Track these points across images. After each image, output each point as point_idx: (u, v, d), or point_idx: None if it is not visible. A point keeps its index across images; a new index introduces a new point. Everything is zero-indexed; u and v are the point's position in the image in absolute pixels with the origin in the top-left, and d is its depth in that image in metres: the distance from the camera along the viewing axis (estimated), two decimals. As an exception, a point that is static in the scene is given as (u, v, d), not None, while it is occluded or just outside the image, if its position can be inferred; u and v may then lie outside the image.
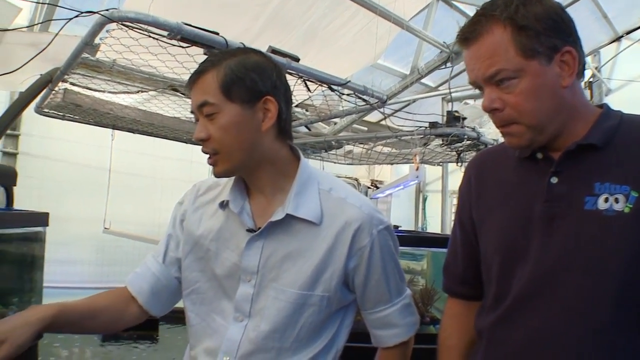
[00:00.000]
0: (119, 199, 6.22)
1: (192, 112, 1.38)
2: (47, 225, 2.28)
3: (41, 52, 2.76)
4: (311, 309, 1.38)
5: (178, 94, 4.14)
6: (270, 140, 1.39)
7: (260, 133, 1.35)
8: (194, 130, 1.36)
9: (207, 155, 1.36)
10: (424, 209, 10.92)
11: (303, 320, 1.38)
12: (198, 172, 7.92)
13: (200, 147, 1.37)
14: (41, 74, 3.79)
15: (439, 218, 9.16)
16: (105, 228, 5.98)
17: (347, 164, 6.55)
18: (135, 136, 5.37)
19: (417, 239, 3.59)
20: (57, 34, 2.60)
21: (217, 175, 1.39)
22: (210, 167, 1.39)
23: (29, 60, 2.83)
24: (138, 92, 4.24)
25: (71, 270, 6.47)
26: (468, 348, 1.50)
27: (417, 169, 4.76)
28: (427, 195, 10.90)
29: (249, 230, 1.41)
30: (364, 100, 3.38)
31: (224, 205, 1.47)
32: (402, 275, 1.53)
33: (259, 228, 1.39)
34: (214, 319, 1.47)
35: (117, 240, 6.84)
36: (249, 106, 1.32)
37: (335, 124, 6.32)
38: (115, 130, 5.16)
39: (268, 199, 1.44)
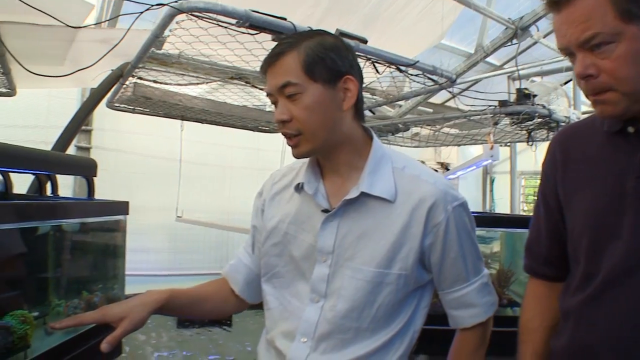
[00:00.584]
0: (189, 188, 6.35)
1: (268, 94, 1.38)
2: (127, 213, 2.35)
3: (114, 47, 2.84)
4: (388, 288, 1.38)
5: (243, 82, 4.17)
6: (349, 119, 1.40)
7: (341, 112, 1.36)
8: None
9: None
10: (491, 190, 10.70)
11: (380, 299, 1.38)
12: (265, 160, 8.02)
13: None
14: (112, 70, 3.91)
15: (507, 200, 9.00)
16: (178, 216, 6.12)
17: (414, 146, 6.47)
18: (203, 126, 5.46)
19: (491, 220, 3.51)
20: (129, 28, 2.67)
21: (299, 155, 1.40)
22: (284, 153, 1.41)
23: (104, 55, 2.92)
24: (204, 82, 4.30)
25: (146, 258, 6.64)
26: (551, 330, 1.47)
27: (491, 147, 4.64)
28: (495, 177, 10.67)
29: (324, 211, 1.42)
30: (433, 80, 3.33)
31: (299, 188, 1.49)
32: (479, 253, 1.50)
33: (334, 208, 1.40)
34: (290, 302, 1.49)
35: (188, 229, 6.99)
36: (330, 86, 1.33)
37: (400, 106, 6.27)
38: (184, 121, 5.26)
39: (343, 179, 1.44)
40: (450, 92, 4.31)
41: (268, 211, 1.57)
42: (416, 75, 3.25)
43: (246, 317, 5.86)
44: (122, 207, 2.33)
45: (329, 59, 1.33)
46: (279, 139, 5.41)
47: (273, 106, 1.40)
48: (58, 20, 2.67)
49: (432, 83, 3.42)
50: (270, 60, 1.35)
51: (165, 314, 1.51)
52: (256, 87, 4.30)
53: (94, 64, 3.01)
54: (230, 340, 5.41)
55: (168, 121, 5.35)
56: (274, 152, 7.89)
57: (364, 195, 1.37)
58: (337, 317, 1.38)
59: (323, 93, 1.33)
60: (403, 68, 3.03)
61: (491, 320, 1.53)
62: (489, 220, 3.46)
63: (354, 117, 1.41)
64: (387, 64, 2.92)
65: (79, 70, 3.19)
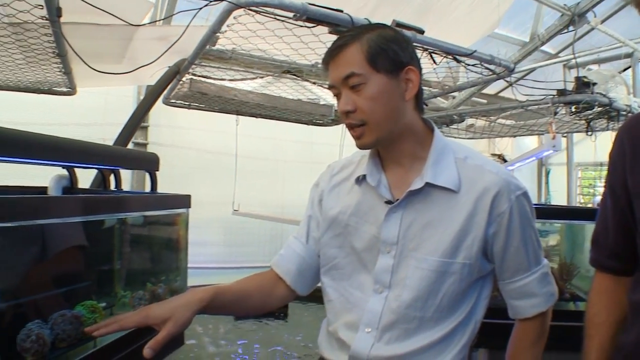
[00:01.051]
0: (244, 182, 6.43)
1: (330, 87, 1.41)
2: (190, 206, 2.39)
3: (174, 43, 2.88)
4: (452, 277, 1.38)
5: (297, 76, 4.19)
6: (411, 110, 1.41)
7: (403, 103, 1.38)
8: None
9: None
10: (547, 182, 10.48)
11: (444, 289, 1.39)
12: (318, 154, 8.06)
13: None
14: (169, 67, 3.98)
15: (562, 192, 8.80)
16: (235, 210, 6.21)
17: (469, 138, 6.39)
18: (256, 121, 5.51)
19: (551, 212, 3.43)
20: (188, 25, 2.71)
21: (363, 146, 1.42)
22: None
23: (165, 51, 2.97)
24: (257, 77, 4.34)
25: (202, 251, 6.74)
26: (618, 325, 1.44)
27: (553, 137, 4.54)
28: (550, 169, 10.44)
29: (387, 202, 1.43)
30: (490, 70, 3.28)
31: (360, 180, 1.51)
32: (539, 243, 1.50)
33: (397, 199, 1.42)
34: (352, 293, 1.50)
35: (243, 222, 7.08)
36: (393, 76, 1.35)
37: (453, 98, 6.20)
38: (239, 116, 5.32)
39: (405, 170, 1.45)
40: (507, 81, 4.23)
41: (327, 202, 1.59)
42: (473, 65, 3.21)
43: (301, 309, 5.91)
44: (184, 200, 2.37)
45: (391, 50, 1.34)
46: (332, 132, 5.46)
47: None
48: (119, 18, 2.73)
49: (489, 73, 3.37)
50: (333, 53, 1.37)
51: (210, 313, 1.47)
52: (309, 81, 4.31)
53: (154, 60, 3.07)
54: (285, 332, 5.46)
55: (222, 116, 5.42)
56: (327, 145, 7.95)
57: (428, 185, 1.38)
58: (401, 307, 1.40)
59: (386, 83, 1.34)
60: (460, 58, 2.99)
61: (551, 310, 1.53)
62: (549, 212, 3.37)
63: (414, 108, 1.43)
64: (444, 54, 2.89)
65: (140, 67, 3.26)
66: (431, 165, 1.39)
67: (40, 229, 1.93)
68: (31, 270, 1.93)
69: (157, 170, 2.29)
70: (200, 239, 6.63)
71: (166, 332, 1.27)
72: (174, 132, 7.09)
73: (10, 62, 3.72)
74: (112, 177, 2.57)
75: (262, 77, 4.30)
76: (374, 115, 1.35)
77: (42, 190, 2.40)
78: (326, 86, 4.42)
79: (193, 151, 7.14)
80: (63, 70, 3.78)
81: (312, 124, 5.69)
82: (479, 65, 3.22)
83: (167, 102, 4.79)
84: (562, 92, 4.26)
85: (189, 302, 1.36)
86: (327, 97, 4.71)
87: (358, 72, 1.33)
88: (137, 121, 4.14)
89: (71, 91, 4.62)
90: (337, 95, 1.39)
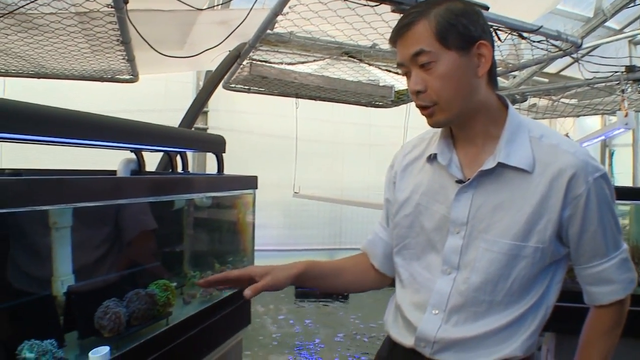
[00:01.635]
0: (303, 165, 6.45)
1: (399, 65, 1.36)
2: (257, 188, 2.42)
3: (238, 26, 2.90)
4: (524, 262, 1.33)
5: (355, 59, 4.16)
6: (484, 86, 1.35)
7: (476, 79, 1.32)
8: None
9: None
10: (611, 164, 10.14)
11: (515, 273, 1.34)
12: (377, 136, 8.04)
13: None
14: (229, 51, 4.02)
15: (626, 174, 8.52)
16: (295, 192, 6.25)
17: (531, 117, 6.23)
18: (315, 104, 5.51)
19: (621, 192, 3.31)
20: (252, 8, 2.72)
21: (435, 125, 1.38)
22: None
23: (229, 35, 2.99)
24: (315, 61, 4.33)
25: (263, 233, 6.81)
26: None
27: (625, 115, 4.37)
28: (615, 150, 10.09)
29: (458, 182, 1.40)
30: (556, 46, 3.17)
31: (431, 159, 1.48)
32: (619, 227, 1.42)
33: (468, 179, 1.38)
34: (421, 273, 1.48)
35: (303, 205, 7.14)
36: (464, 52, 1.29)
37: (514, 77, 6.04)
38: (299, 99, 5.33)
39: (478, 149, 1.41)
40: (573, 57, 4.08)
41: (400, 183, 1.57)
42: (539, 42, 3.11)
43: (362, 293, 5.89)
44: (252, 181, 2.40)
45: (461, 25, 1.28)
46: (390, 114, 5.41)
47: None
48: (184, 2, 2.76)
49: (555, 49, 3.26)
50: (401, 31, 1.32)
51: (304, 285, 1.57)
52: (368, 63, 4.28)
53: (219, 43, 3.11)
54: (344, 313, 5.49)
55: (281, 100, 5.44)
56: (385, 127, 7.93)
57: (500, 165, 1.33)
58: (470, 289, 1.37)
59: (457, 60, 1.28)
60: (526, 34, 2.90)
61: (629, 298, 1.45)
62: (618, 192, 3.25)
63: (488, 83, 1.37)
64: (509, 31, 2.81)
65: (205, 50, 3.31)
66: (504, 145, 1.34)
67: (116, 210, 1.99)
68: (107, 250, 1.99)
69: (224, 152, 2.32)
70: (261, 222, 6.68)
71: (264, 282, 1.41)
72: (233, 116, 7.17)
73: (76, 52, 3.82)
74: (177, 161, 2.62)
75: (320, 60, 4.29)
76: (445, 95, 1.30)
77: (112, 173, 2.46)
78: (385, 67, 4.38)
79: (252, 135, 7.21)
80: (126, 57, 3.85)
81: (371, 106, 5.65)
82: (544, 42, 3.12)
83: (227, 87, 4.83)
84: (630, 69, 4.10)
85: (286, 267, 1.48)
86: (386, 78, 4.67)
87: (427, 50, 1.27)
88: (200, 105, 4.20)
89: (134, 78, 4.71)
90: (406, 74, 1.35)
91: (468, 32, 1.29)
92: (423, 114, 1.37)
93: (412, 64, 1.31)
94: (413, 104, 1.38)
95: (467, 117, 1.37)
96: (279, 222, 7.50)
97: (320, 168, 7.68)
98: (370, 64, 4.29)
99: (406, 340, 1.49)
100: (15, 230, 1.73)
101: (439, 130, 1.49)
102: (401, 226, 1.54)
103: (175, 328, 1.82)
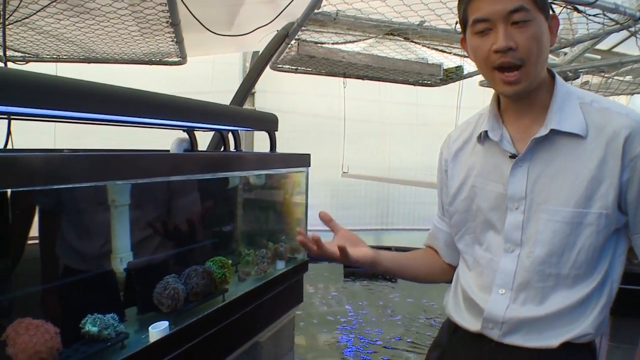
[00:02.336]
0: (350, 145, 6.44)
1: (482, 20, 1.29)
2: (309, 165, 2.41)
3: (287, 6, 2.89)
4: (589, 229, 1.30)
5: (400, 38, 4.11)
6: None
7: (548, 48, 1.30)
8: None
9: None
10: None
11: (580, 242, 1.30)
12: (424, 115, 7.96)
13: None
14: (277, 30, 4.01)
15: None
16: (344, 172, 6.25)
17: (582, 95, 6.05)
18: (361, 84, 5.47)
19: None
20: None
21: (515, 93, 1.33)
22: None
23: (279, 14, 2.99)
24: (360, 40, 4.29)
25: (310, 213, 6.85)
26: None
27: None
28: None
29: (512, 157, 1.38)
30: (612, 19, 3.06)
31: (481, 138, 1.47)
32: None
33: (521, 153, 1.36)
34: (483, 256, 1.47)
35: (350, 185, 7.14)
36: (546, 19, 1.28)
37: (565, 54, 5.88)
38: (346, 79, 5.30)
39: (530, 121, 1.39)
40: (630, 31, 3.93)
41: (452, 171, 1.57)
42: (594, 16, 3.01)
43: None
44: (305, 159, 2.40)
45: None
46: (437, 93, 5.33)
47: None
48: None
49: (612, 23, 3.15)
50: None
51: (373, 269, 1.57)
52: (415, 42, 4.22)
53: (268, 23, 3.11)
54: (392, 294, 5.48)
55: (327, 80, 5.42)
56: (432, 107, 7.85)
57: (553, 133, 1.31)
58: (535, 263, 1.34)
59: (544, 24, 1.27)
60: (581, 7, 2.81)
61: None
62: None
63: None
64: (563, 4, 2.73)
65: (255, 29, 3.30)
66: (555, 112, 1.32)
67: (172, 188, 2.01)
68: (164, 228, 2.02)
69: (277, 130, 2.32)
70: (310, 202, 6.72)
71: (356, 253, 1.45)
72: (280, 97, 7.19)
73: (126, 35, 3.86)
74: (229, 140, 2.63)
75: (366, 40, 4.25)
76: (534, 56, 1.26)
77: (165, 152, 2.49)
78: (433, 46, 4.31)
79: (298, 115, 7.22)
80: (175, 39, 3.88)
81: (419, 85, 5.58)
82: (600, 15, 3.02)
83: (274, 67, 4.83)
84: (696, 41, 3.92)
85: (364, 247, 1.52)
86: (435, 55, 4.61)
87: (527, 7, 1.23)
88: (250, 85, 4.21)
89: (182, 60, 4.75)
90: (483, 32, 1.30)
91: (546, 1, 1.28)
92: (506, 80, 1.31)
93: (503, 20, 1.26)
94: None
95: (534, 87, 1.34)
96: (326, 203, 7.51)
97: (366, 148, 7.66)
98: (417, 43, 4.23)
99: (471, 324, 1.48)
100: (77, 208, 1.76)
101: (485, 111, 1.49)
102: (459, 212, 1.54)
103: (232, 304, 1.84)
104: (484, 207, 1.45)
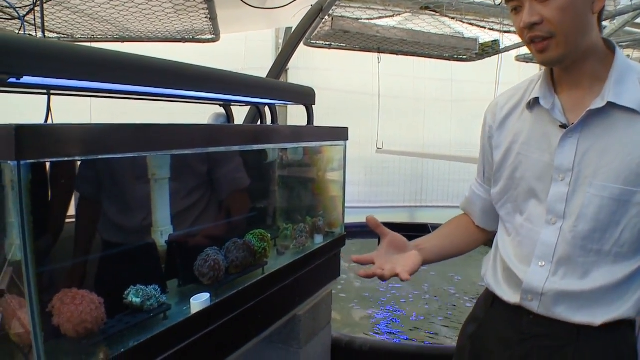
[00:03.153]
0: (384, 121, 6.40)
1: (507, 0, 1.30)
2: (347, 139, 2.39)
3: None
4: (636, 209, 1.26)
5: (434, 12, 4.05)
6: (595, 25, 1.28)
7: (591, 16, 1.25)
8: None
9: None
10: None
11: (626, 220, 1.27)
12: (458, 91, 7.87)
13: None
14: (311, 5, 3.98)
15: None
16: (378, 148, 6.22)
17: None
18: (396, 59, 5.43)
19: None
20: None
21: (546, 61, 1.31)
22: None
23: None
24: (394, 15, 4.24)
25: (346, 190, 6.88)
26: None
27: None
28: None
29: (562, 127, 1.34)
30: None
31: (531, 105, 1.43)
32: None
33: (572, 124, 1.32)
34: (523, 225, 1.44)
35: (384, 162, 7.11)
36: None
37: (604, 27, 5.73)
38: (381, 54, 5.25)
39: (584, 91, 1.34)
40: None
41: (498, 138, 1.53)
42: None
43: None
44: (343, 133, 2.38)
45: None
46: (472, 69, 5.25)
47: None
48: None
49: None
50: None
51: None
52: (449, 16, 4.16)
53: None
54: (428, 270, 5.44)
55: (360, 57, 5.39)
56: (467, 82, 7.76)
57: (609, 106, 1.26)
58: (577, 238, 1.31)
59: None
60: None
61: None
62: None
63: (597, 24, 1.29)
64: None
65: (290, 2, 3.28)
66: (613, 85, 1.27)
67: (212, 161, 2.02)
68: (204, 201, 2.03)
69: (314, 104, 2.30)
70: (344, 179, 6.77)
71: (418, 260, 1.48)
72: (313, 73, 7.17)
73: (160, 12, 3.87)
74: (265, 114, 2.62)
75: (401, 14, 4.20)
76: (563, 27, 1.22)
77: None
78: (467, 21, 4.25)
79: (332, 92, 7.18)
80: (209, 15, 3.88)
81: (454, 60, 5.51)
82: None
83: (307, 43, 4.80)
84: None
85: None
86: (471, 29, 4.54)
87: None
88: (285, 60, 4.19)
89: (215, 38, 4.75)
90: (516, 10, 1.29)
91: None
92: (536, 49, 1.29)
93: None
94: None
95: (578, 55, 1.29)
96: (360, 179, 7.51)
97: (401, 125, 7.61)
98: (453, 17, 4.17)
99: (509, 296, 1.46)
100: (118, 182, 1.78)
101: (536, 77, 1.46)
102: (502, 179, 1.51)
103: (271, 277, 1.85)
104: (528, 176, 1.43)
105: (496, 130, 1.54)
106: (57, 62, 1.12)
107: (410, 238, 1.57)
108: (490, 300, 1.56)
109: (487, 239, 1.69)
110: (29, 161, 0.94)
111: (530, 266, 1.39)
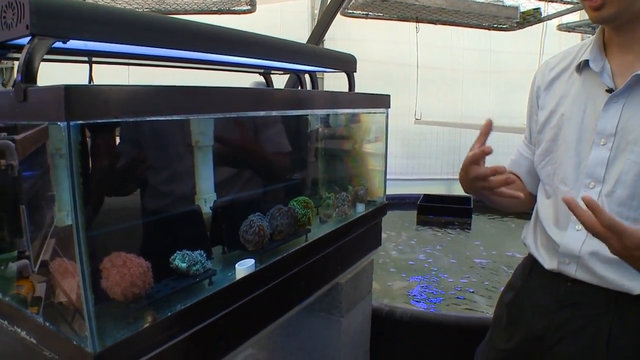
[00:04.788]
0: (422, 93, 6.34)
1: None
2: (389, 107, 2.36)
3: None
4: None
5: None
6: None
7: None
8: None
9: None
10: None
11: None
12: (497, 62, 7.74)
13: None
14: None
15: None
16: (416, 119, 6.18)
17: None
18: (433, 30, 5.36)
19: None
20: None
21: (600, 19, 1.29)
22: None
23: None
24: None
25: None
26: None
27: None
28: None
29: (608, 91, 1.33)
30: None
31: (580, 68, 1.42)
32: None
33: (619, 88, 1.31)
34: (559, 189, 1.44)
35: (422, 134, 7.06)
36: None
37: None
38: (419, 24, 5.18)
39: (635, 55, 1.32)
40: None
41: (545, 98, 1.53)
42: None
43: (484, 222, 5.82)
44: (385, 100, 2.35)
45: None
46: (511, 39, 5.18)
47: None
48: None
49: None
50: None
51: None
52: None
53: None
54: (465, 241, 5.42)
55: (397, 27, 5.32)
56: (506, 53, 7.63)
57: None
58: (613, 204, 1.30)
59: None
60: None
61: None
62: None
63: None
64: None
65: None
66: None
67: (255, 128, 2.01)
68: (247, 169, 2.03)
69: (354, 71, 2.27)
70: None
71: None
72: (350, 44, 7.11)
73: (197, -17, 3.86)
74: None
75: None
76: None
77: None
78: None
79: (368, 63, 7.11)
80: (246, -15, 3.86)
81: (494, 29, 5.41)
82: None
83: (344, 13, 4.76)
84: None
85: None
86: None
87: None
88: (323, 29, 4.17)
89: (251, 9, 4.74)
90: None
91: None
92: (591, 6, 1.27)
93: None
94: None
95: (631, 16, 1.27)
96: (397, 151, 7.47)
97: (438, 96, 7.54)
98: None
99: (547, 262, 1.46)
100: (162, 149, 1.78)
101: (587, 41, 1.44)
102: (545, 140, 1.50)
103: (314, 245, 1.84)
104: (570, 138, 1.41)
105: (543, 90, 1.54)
106: (103, 24, 1.11)
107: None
108: (528, 268, 1.57)
109: (533, 203, 1.66)
110: (78, 122, 0.93)
111: (567, 230, 1.40)
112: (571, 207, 1.13)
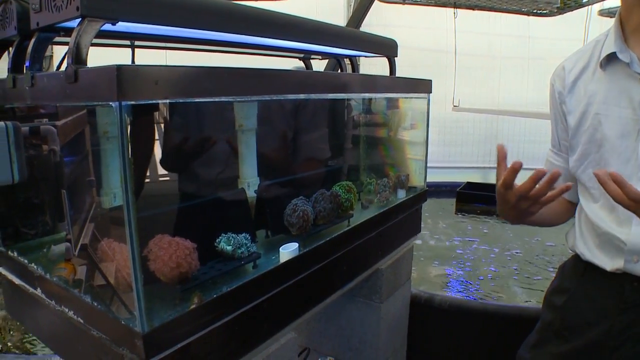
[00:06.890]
0: (458, 79, 6.28)
1: None
2: (431, 92, 2.33)
3: None
4: None
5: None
6: None
7: None
8: None
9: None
10: None
11: None
12: (535, 49, 7.62)
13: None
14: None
15: None
16: (454, 106, 6.14)
17: None
18: (470, 15, 5.30)
19: None
20: None
21: None
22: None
23: None
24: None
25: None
26: None
27: None
28: None
29: None
30: None
31: (605, 63, 1.38)
32: None
33: None
34: None
35: (459, 122, 6.99)
36: None
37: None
38: (457, 10, 5.12)
39: None
40: None
41: (569, 102, 1.48)
42: None
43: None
44: (426, 85, 2.32)
45: None
46: (550, 25, 5.12)
47: None
48: None
49: None
50: None
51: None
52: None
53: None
54: (501, 229, 5.37)
55: (434, 13, 5.27)
56: (545, 39, 7.49)
57: None
58: None
59: None
60: None
61: None
62: None
63: None
64: None
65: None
66: None
67: (298, 111, 2.00)
68: (290, 152, 2.02)
69: (396, 56, 2.25)
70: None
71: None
72: (386, 31, 7.00)
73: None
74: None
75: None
76: None
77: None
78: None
79: (405, 49, 7.05)
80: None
81: (533, 15, 5.30)
82: None
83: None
84: None
85: None
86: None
87: None
88: (361, 14, 4.12)
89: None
90: None
91: None
92: None
93: None
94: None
95: None
96: (433, 139, 7.39)
97: (475, 83, 7.46)
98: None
99: (607, 264, 1.41)
100: (206, 132, 1.78)
101: (601, 37, 1.42)
102: (582, 144, 1.45)
103: (356, 229, 1.83)
104: (610, 135, 1.36)
105: (567, 94, 1.49)
106: (151, 6, 1.11)
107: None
108: (581, 269, 1.52)
109: (574, 212, 1.62)
110: (130, 102, 0.93)
111: (631, 227, 1.34)
112: (601, 180, 1.12)
